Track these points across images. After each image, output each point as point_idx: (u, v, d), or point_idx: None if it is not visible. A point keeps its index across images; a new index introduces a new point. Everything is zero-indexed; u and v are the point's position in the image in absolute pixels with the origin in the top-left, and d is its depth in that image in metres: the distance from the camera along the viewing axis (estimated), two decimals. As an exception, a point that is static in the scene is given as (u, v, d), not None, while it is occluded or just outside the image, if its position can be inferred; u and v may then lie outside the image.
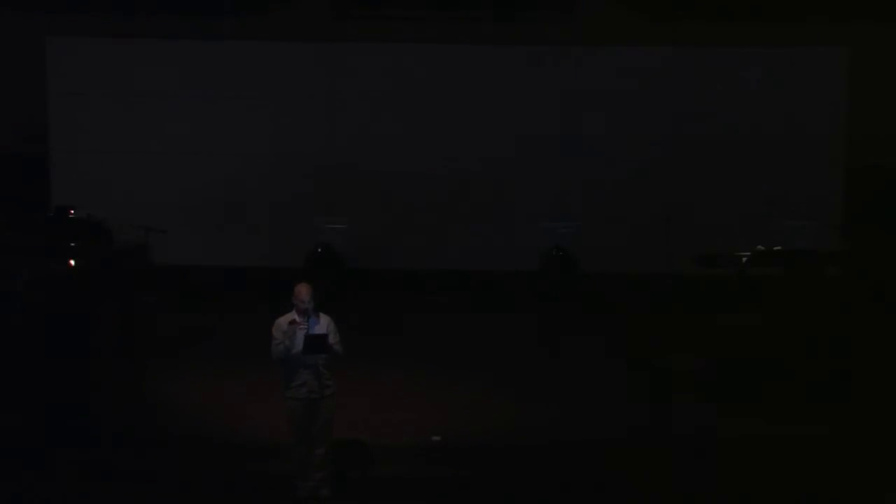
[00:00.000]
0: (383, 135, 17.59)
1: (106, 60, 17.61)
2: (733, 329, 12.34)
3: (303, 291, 7.91)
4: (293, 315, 7.92)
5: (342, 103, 17.69)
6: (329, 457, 8.11)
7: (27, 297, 13.52)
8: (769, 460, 8.90)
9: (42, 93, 17.51)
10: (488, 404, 10.40)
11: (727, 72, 17.47)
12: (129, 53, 17.60)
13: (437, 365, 11.90)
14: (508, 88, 17.54)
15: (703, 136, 17.45)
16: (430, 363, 12.00)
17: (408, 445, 9.10)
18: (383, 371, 11.33)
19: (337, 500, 8.13)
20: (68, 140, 17.57)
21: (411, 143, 17.56)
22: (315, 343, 7.78)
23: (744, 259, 14.15)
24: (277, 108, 17.66)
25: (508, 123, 17.43)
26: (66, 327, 12.77)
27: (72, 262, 14.18)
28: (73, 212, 15.36)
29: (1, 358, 11.56)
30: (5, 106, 17.77)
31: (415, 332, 14.00)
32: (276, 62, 17.71)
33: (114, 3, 17.71)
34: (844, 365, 11.42)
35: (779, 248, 14.62)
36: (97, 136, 17.54)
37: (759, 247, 14.57)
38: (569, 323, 14.51)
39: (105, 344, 12.49)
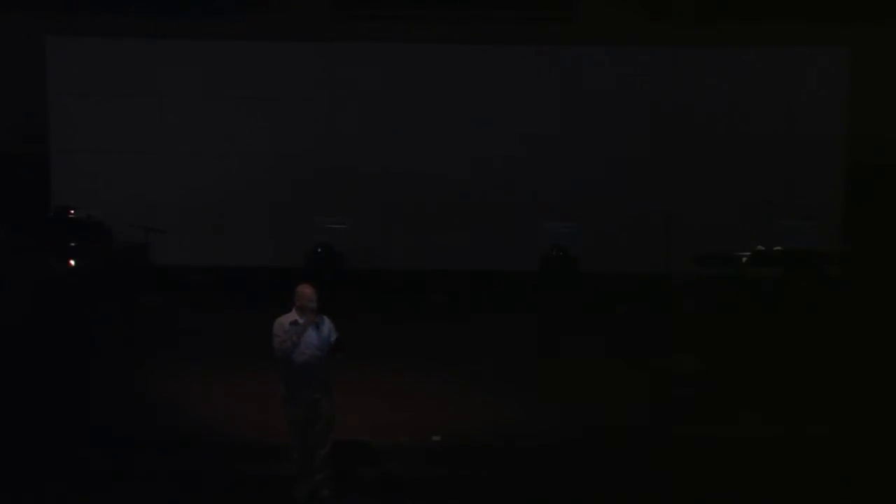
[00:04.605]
0: (383, 135, 17.61)
1: (106, 60, 17.64)
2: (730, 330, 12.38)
3: (308, 292, 7.87)
4: (294, 315, 7.89)
5: (342, 103, 17.71)
6: (329, 457, 8.10)
7: (27, 297, 13.52)
8: (767, 460, 8.90)
9: (42, 93, 17.53)
10: (489, 404, 10.39)
11: (727, 72, 17.49)
12: (129, 53, 17.63)
13: (437, 365, 11.89)
14: (508, 88, 17.56)
15: (702, 136, 17.46)
16: (430, 363, 11.99)
17: (408, 445, 9.09)
18: (383, 371, 11.31)
19: (337, 500, 8.12)
20: (68, 140, 17.59)
21: (411, 143, 17.57)
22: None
23: (743, 259, 14.17)
24: (277, 108, 17.68)
25: (508, 123, 17.46)
26: (66, 327, 12.77)
27: (72, 262, 14.17)
28: (73, 212, 15.36)
29: (1, 357, 11.55)
30: (5, 106, 17.79)
31: (414, 331, 13.99)
32: (276, 62, 17.73)
33: (114, 3, 17.72)
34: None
35: (779, 248, 14.64)
36: (97, 136, 17.57)
37: (759, 247, 14.59)
38: (568, 323, 14.49)
39: (105, 344, 12.48)
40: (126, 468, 8.61)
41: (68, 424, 9.42)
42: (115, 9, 17.71)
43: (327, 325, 8.01)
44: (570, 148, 17.53)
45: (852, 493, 8.32)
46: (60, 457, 8.77)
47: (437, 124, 17.59)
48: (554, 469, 8.73)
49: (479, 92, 17.59)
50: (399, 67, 17.77)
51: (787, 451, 9.01)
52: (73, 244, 14.50)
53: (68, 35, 17.59)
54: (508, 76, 17.60)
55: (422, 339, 13.44)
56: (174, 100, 17.69)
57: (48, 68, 17.56)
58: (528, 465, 8.81)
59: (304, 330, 7.81)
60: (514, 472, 8.71)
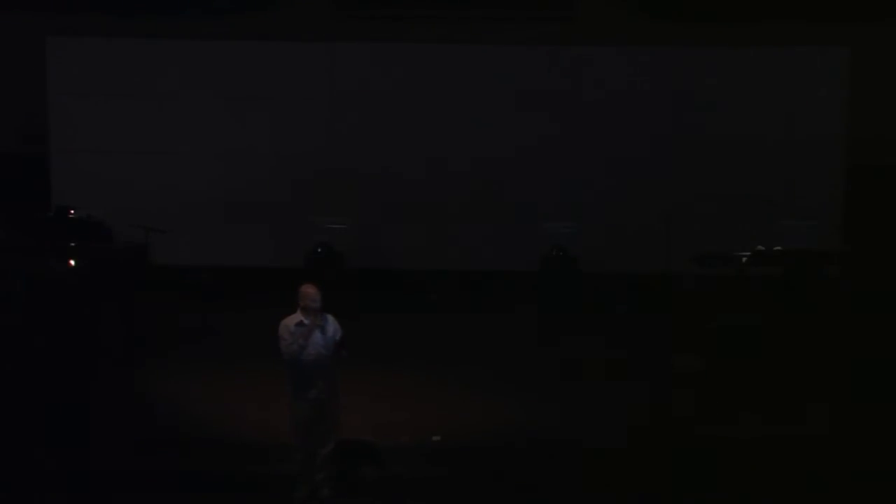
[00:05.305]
0: (384, 135, 17.60)
1: (106, 60, 17.63)
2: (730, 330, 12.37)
3: (312, 292, 7.86)
4: (298, 316, 7.87)
5: (343, 103, 17.70)
6: (330, 457, 8.10)
7: (27, 297, 13.52)
8: (767, 460, 8.90)
9: (42, 93, 17.52)
10: (489, 404, 10.40)
11: (727, 72, 17.48)
12: (129, 53, 17.62)
13: (437, 365, 11.90)
14: (508, 88, 17.54)
15: (703, 136, 17.45)
16: (430, 363, 12.00)
17: (408, 445, 9.09)
18: (383, 371, 11.31)
19: (337, 500, 8.12)
20: (68, 140, 17.59)
21: (412, 143, 17.56)
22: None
23: (744, 259, 14.17)
24: (277, 108, 17.67)
25: (508, 123, 17.44)
26: (66, 327, 12.77)
27: (72, 262, 14.17)
28: (73, 212, 15.36)
29: (0, 357, 11.55)
30: (5, 106, 17.78)
31: (414, 332, 13.99)
32: (276, 62, 17.73)
33: (114, 3, 17.71)
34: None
35: (779, 248, 14.65)
36: (97, 136, 17.56)
37: (759, 247, 14.59)
38: (568, 323, 14.50)
39: (104, 344, 12.48)
40: (125, 468, 8.61)
41: (66, 424, 9.42)
42: (115, 9, 17.68)
43: (332, 324, 8.01)
44: (570, 148, 17.51)
45: (852, 493, 8.32)
46: (58, 456, 8.77)
47: (437, 124, 17.58)
48: (554, 469, 8.73)
49: (480, 92, 17.58)
50: (399, 67, 17.74)
51: (787, 451, 9.01)
52: (73, 244, 14.49)
53: (68, 35, 17.57)
54: (508, 76, 17.58)
55: (422, 339, 13.45)
56: (174, 100, 17.68)
57: (48, 68, 17.55)
58: (528, 465, 8.81)
59: (310, 331, 7.80)
60: (514, 472, 8.71)
